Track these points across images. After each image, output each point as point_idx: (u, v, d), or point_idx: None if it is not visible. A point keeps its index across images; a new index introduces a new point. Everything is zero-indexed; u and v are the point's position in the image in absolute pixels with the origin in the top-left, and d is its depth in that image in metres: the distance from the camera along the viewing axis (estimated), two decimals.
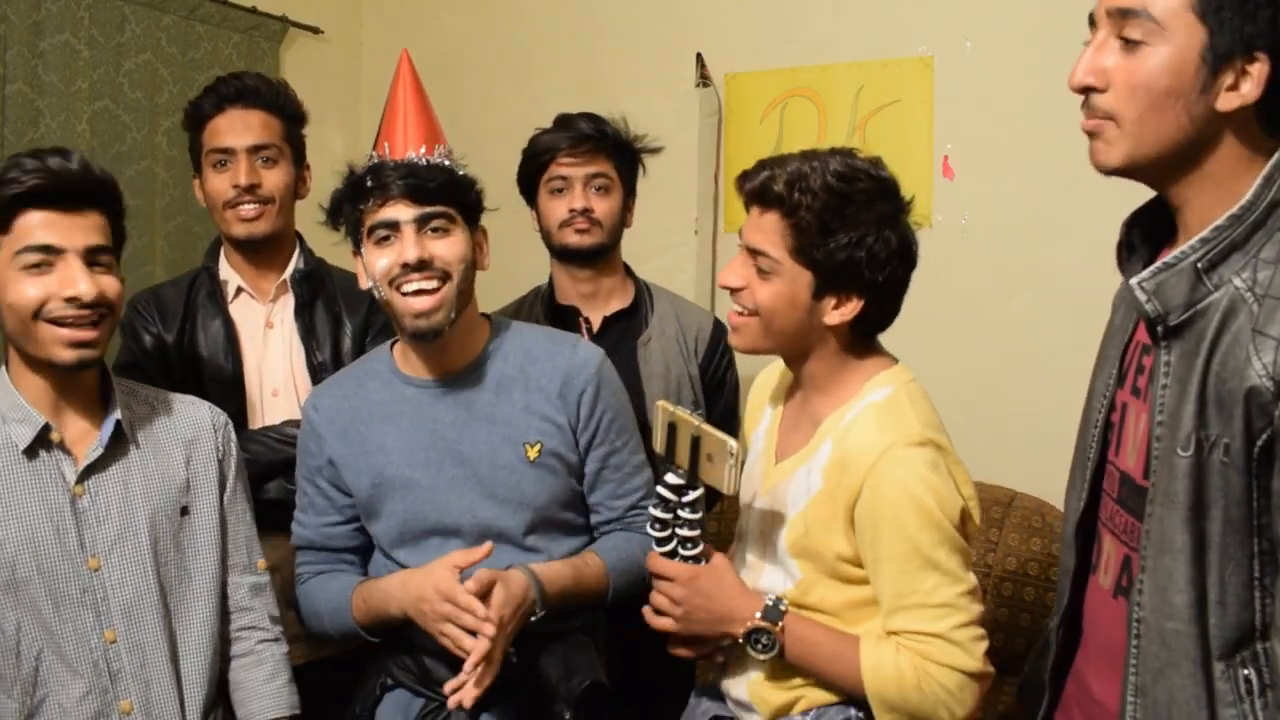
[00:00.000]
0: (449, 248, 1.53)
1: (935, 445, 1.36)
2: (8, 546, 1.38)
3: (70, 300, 1.34)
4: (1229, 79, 1.04)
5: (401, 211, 1.51)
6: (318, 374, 1.93)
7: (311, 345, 1.96)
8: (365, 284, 1.59)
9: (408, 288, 1.51)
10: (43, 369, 1.40)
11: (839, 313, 1.39)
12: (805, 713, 1.44)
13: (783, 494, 1.45)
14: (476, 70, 3.69)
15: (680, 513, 1.38)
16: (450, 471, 1.57)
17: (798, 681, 1.44)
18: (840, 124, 3.21)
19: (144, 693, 1.43)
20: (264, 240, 1.94)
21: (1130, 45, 1.07)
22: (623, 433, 1.63)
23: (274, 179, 1.93)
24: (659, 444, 1.39)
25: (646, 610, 1.47)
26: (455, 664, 1.56)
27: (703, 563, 1.43)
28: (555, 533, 1.59)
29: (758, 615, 1.38)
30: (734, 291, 1.43)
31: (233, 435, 1.60)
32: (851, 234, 1.34)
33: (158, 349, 1.92)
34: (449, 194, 1.54)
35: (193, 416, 1.56)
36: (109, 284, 1.39)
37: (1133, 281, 1.10)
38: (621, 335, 2.03)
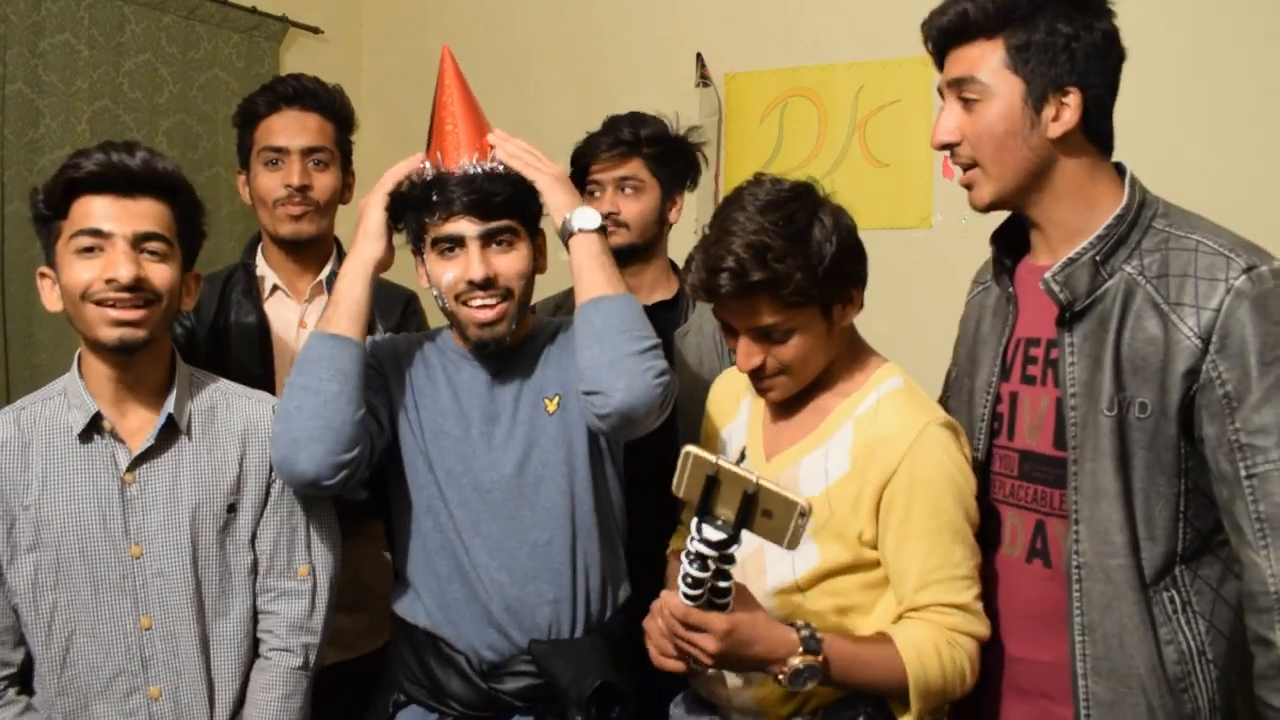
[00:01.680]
0: (512, 263, 1.53)
1: (955, 428, 1.41)
2: (53, 526, 1.42)
3: (110, 282, 1.37)
4: (1052, 112, 1.31)
5: (466, 227, 1.51)
6: None
7: None
8: (425, 284, 1.60)
9: (473, 303, 1.52)
10: (103, 354, 1.44)
11: (847, 314, 1.44)
12: (814, 711, 1.44)
13: (790, 482, 1.44)
14: (476, 70, 3.65)
15: (722, 566, 1.26)
16: (479, 427, 1.58)
17: None
18: (840, 124, 3.21)
19: (174, 681, 1.46)
20: (308, 241, 1.96)
21: (969, 104, 1.34)
22: None
23: (324, 182, 1.95)
24: (685, 490, 1.27)
25: (654, 653, 1.39)
26: (467, 676, 1.54)
27: (731, 607, 1.31)
28: None
29: (800, 651, 1.31)
30: (755, 369, 1.44)
31: None
32: (825, 246, 1.36)
33: (188, 341, 1.93)
34: (513, 207, 1.53)
35: (252, 413, 1.55)
36: (157, 271, 1.41)
37: (1047, 276, 1.33)
38: (659, 326, 2.04)
